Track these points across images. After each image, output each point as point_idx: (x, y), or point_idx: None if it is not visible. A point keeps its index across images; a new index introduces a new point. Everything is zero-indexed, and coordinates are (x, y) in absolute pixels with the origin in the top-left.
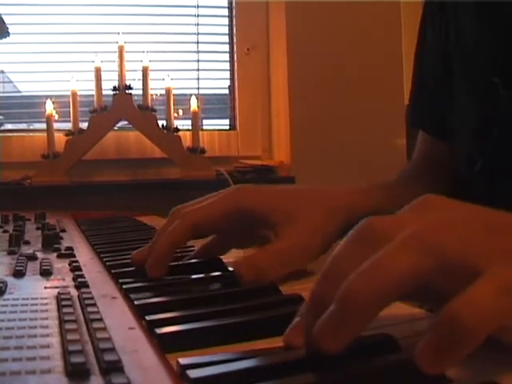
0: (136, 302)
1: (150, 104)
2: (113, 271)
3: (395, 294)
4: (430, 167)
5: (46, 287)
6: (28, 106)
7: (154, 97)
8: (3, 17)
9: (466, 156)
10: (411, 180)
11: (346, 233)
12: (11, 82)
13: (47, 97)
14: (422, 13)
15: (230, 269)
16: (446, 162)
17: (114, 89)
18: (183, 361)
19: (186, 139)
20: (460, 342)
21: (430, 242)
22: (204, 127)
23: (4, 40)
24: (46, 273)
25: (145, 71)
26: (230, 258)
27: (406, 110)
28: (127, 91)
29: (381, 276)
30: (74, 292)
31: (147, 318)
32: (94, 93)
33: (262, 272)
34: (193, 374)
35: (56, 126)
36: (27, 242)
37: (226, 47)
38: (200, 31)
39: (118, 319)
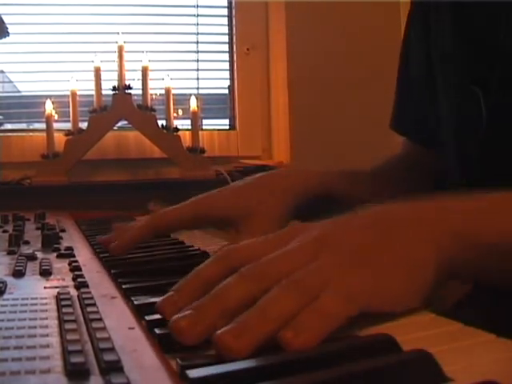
0: (136, 302)
1: (149, 104)
2: (112, 271)
3: None
4: (408, 167)
5: (45, 287)
6: (28, 106)
7: (154, 97)
8: (3, 17)
9: (450, 169)
10: (384, 173)
11: (301, 211)
12: (11, 81)
13: (47, 97)
14: (406, 22)
15: None
16: (427, 166)
17: (114, 89)
18: (182, 361)
19: (186, 139)
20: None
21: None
22: (204, 127)
23: (4, 40)
24: (45, 273)
25: (144, 71)
26: None
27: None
28: (127, 91)
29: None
30: (73, 292)
31: (147, 318)
32: (93, 93)
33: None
34: (192, 373)
35: (56, 125)
36: (27, 242)
37: (226, 47)
38: (200, 31)
39: (117, 319)
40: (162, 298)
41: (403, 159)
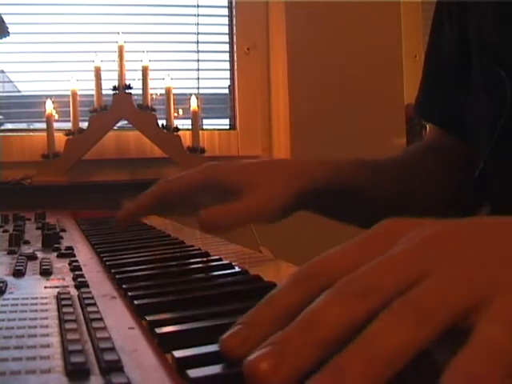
0: (136, 302)
1: (149, 104)
2: (112, 271)
3: None
4: (432, 157)
5: (45, 287)
6: (28, 106)
7: (154, 96)
8: (3, 16)
9: (479, 156)
10: (409, 162)
11: (304, 201)
12: (11, 81)
13: (47, 96)
14: (435, 12)
15: (237, 268)
16: (453, 152)
17: (114, 88)
18: (178, 354)
19: (186, 139)
20: None
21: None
22: (204, 127)
23: (4, 40)
24: (45, 272)
25: (145, 71)
26: (229, 255)
27: (405, 107)
28: (127, 91)
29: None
30: (73, 292)
31: (147, 317)
32: (93, 92)
33: (218, 223)
34: (193, 373)
35: (56, 125)
36: (27, 242)
37: (226, 47)
38: (200, 31)
39: (117, 319)
40: (226, 334)
41: (428, 146)
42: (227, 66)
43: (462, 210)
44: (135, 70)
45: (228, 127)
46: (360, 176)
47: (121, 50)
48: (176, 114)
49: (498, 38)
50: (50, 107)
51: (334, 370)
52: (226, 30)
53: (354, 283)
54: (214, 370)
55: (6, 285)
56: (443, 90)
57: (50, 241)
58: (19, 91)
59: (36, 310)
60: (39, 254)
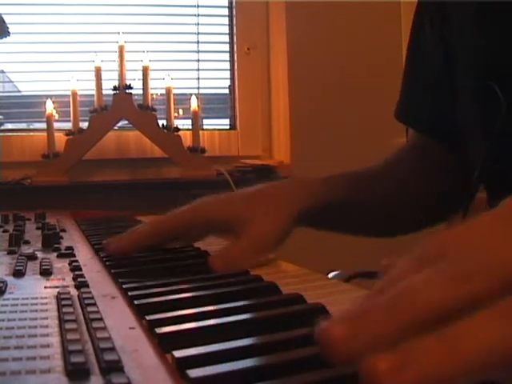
0: (136, 302)
1: (150, 104)
2: (112, 271)
3: None
4: (418, 159)
5: (45, 287)
6: (28, 106)
7: (154, 96)
8: (3, 16)
9: (470, 162)
10: (392, 170)
11: (302, 220)
12: (11, 81)
13: (47, 96)
14: (416, 13)
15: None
16: (438, 161)
17: (115, 88)
18: (178, 354)
19: (187, 139)
20: None
21: None
22: (204, 127)
23: (4, 40)
24: (45, 272)
25: (145, 71)
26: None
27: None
28: (127, 91)
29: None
30: (73, 292)
31: (147, 317)
32: (94, 92)
33: (232, 263)
34: (193, 373)
35: (56, 125)
36: (27, 242)
37: (226, 47)
38: (200, 31)
39: (118, 319)
40: (330, 321)
41: (411, 148)
42: (227, 66)
43: (448, 213)
44: (135, 70)
45: (228, 127)
46: (350, 188)
47: (121, 50)
48: (176, 114)
49: (483, 38)
50: (50, 107)
51: (403, 355)
52: (226, 29)
53: (464, 264)
54: (214, 369)
55: (6, 285)
56: (425, 94)
57: (50, 241)
58: (19, 91)
59: (36, 310)
60: (39, 254)
